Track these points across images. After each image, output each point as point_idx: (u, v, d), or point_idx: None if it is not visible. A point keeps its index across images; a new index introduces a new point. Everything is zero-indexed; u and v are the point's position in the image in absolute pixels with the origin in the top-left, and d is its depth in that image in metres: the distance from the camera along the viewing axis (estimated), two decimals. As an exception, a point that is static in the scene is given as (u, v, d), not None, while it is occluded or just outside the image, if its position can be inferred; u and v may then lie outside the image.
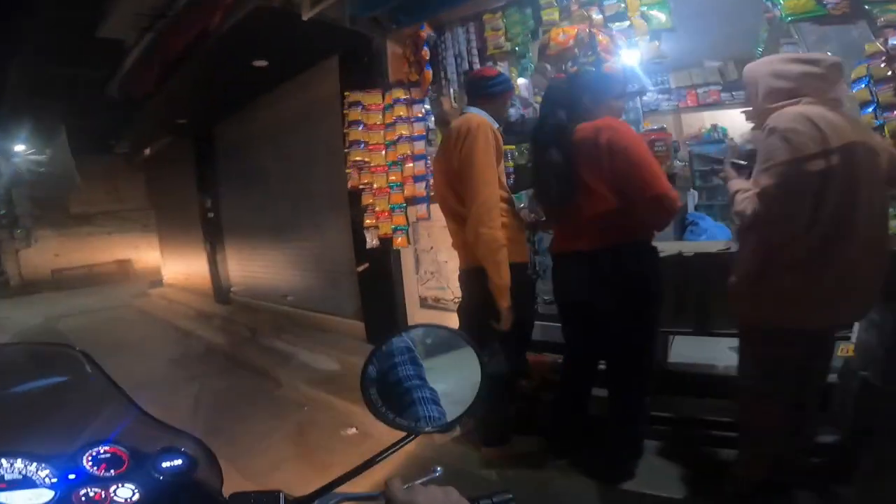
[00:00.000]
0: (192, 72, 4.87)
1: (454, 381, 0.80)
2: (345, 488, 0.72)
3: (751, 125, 1.87)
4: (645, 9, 2.94)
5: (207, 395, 4.28)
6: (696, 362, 2.80)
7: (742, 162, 1.85)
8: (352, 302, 4.88)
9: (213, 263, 7.58)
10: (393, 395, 0.77)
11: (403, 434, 0.75)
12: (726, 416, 2.44)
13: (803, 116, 1.58)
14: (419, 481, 0.68)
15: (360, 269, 4.52)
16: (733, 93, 5.70)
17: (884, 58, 2.41)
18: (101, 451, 0.70)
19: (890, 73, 2.40)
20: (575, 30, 2.89)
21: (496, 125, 2.32)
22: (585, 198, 2.06)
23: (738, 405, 1.97)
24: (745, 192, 1.68)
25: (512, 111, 3.12)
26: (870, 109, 2.53)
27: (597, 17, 3.02)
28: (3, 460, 0.65)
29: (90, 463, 0.69)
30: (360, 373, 0.76)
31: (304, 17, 3.44)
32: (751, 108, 1.80)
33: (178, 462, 0.71)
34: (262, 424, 3.50)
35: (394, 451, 0.75)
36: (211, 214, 7.54)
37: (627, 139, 1.98)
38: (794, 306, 1.65)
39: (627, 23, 2.98)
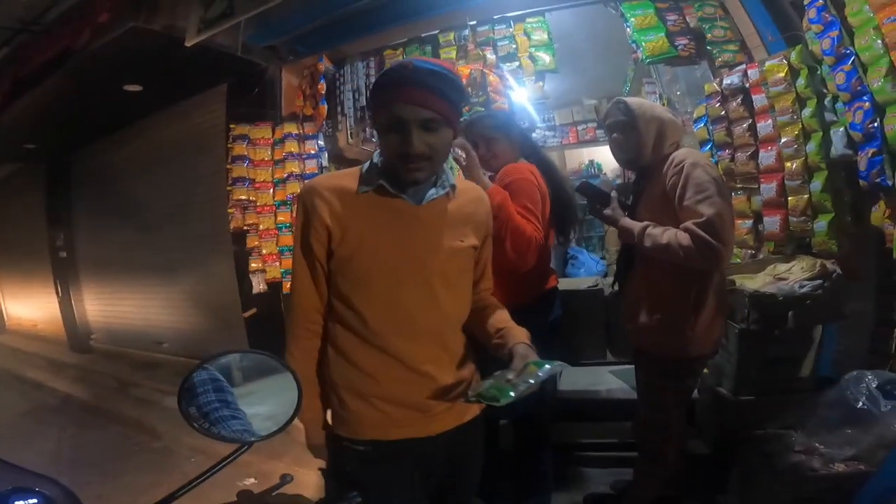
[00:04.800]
0: (50, 91, 4.32)
1: (273, 401, 0.91)
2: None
3: (622, 163, 2.00)
4: (533, 50, 3.17)
5: (69, 451, 3.71)
6: (581, 389, 2.93)
7: (625, 200, 1.89)
8: (239, 348, 4.49)
9: (66, 308, 6.66)
10: (214, 413, 0.85)
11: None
12: (614, 438, 2.61)
13: (702, 155, 1.77)
14: (271, 489, 0.76)
15: (247, 314, 4.20)
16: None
17: (719, 98, 2.66)
18: None
19: (723, 112, 2.65)
20: (469, 69, 3.06)
21: None
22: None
23: (636, 426, 2.02)
24: (659, 227, 1.66)
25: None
26: (707, 148, 2.81)
27: (490, 56, 3.21)
28: None
29: None
30: (178, 399, 0.83)
31: (188, 44, 3.21)
32: (634, 149, 1.79)
33: (33, 502, 0.66)
34: (139, 480, 3.07)
35: (225, 465, 0.79)
36: (63, 253, 6.66)
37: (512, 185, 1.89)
38: (701, 338, 1.74)
39: (517, 63, 3.18)
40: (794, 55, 2.25)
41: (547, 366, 1.00)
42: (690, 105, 3.44)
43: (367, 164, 1.18)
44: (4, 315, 9.25)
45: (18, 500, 0.65)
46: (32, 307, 8.02)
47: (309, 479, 1.64)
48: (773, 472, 1.86)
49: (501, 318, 1.28)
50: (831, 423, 1.83)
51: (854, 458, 1.73)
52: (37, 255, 7.10)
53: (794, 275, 2.17)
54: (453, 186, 1.19)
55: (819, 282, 2.07)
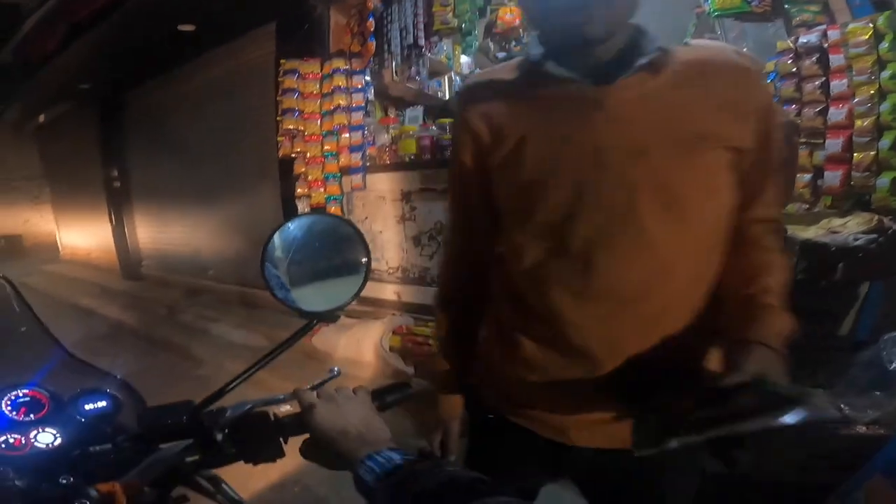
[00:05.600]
0: (104, 34, 4.55)
1: (341, 265, 0.82)
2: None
3: None
4: None
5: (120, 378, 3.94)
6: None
7: None
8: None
9: (119, 236, 7.04)
10: (289, 279, 0.79)
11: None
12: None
13: None
14: (318, 381, 0.71)
15: (290, 239, 4.43)
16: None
17: (792, 55, 2.66)
18: (20, 395, 0.68)
19: (795, 69, 2.66)
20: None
21: None
22: None
23: None
24: None
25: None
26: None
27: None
28: None
29: (9, 408, 0.67)
30: (262, 251, 0.76)
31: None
32: None
33: (102, 404, 0.69)
34: None
35: (292, 344, 0.73)
36: (117, 184, 7.00)
37: None
38: None
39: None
40: (881, 20, 2.27)
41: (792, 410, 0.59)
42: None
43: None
44: (59, 244, 9.77)
45: (89, 402, 0.68)
46: (86, 236, 8.43)
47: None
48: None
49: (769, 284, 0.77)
50: (860, 384, 1.78)
51: (876, 422, 1.68)
52: (91, 187, 7.46)
53: (849, 228, 2.15)
54: (664, 52, 0.75)
55: (874, 236, 2.03)
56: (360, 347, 3.42)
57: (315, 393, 0.67)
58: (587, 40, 0.73)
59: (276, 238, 0.77)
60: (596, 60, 0.75)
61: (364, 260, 0.78)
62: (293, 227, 0.81)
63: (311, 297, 0.77)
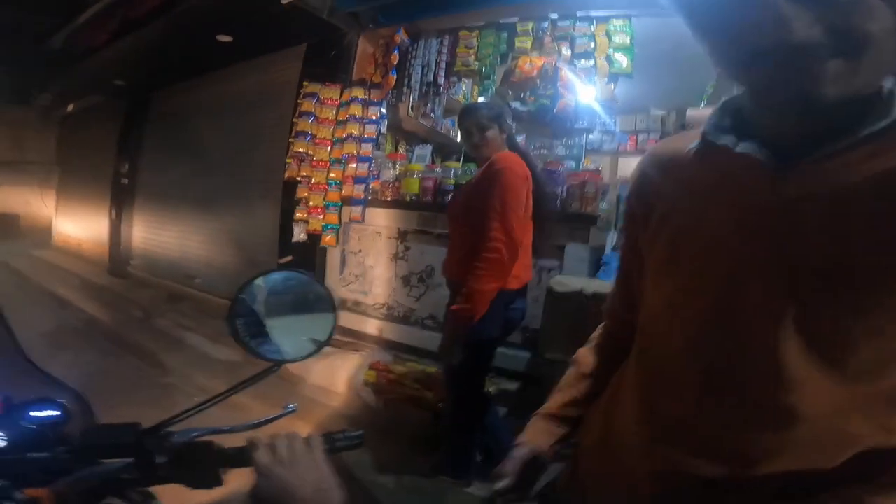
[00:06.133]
0: (151, 34, 4.65)
1: (309, 320, 0.88)
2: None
3: None
4: (612, 52, 3.13)
5: (80, 375, 3.66)
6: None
7: None
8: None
9: (115, 231, 6.97)
10: (254, 329, 0.85)
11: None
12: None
13: None
14: (272, 415, 0.76)
15: (283, 261, 4.36)
16: (669, 143, 6.17)
17: None
18: None
19: None
20: (542, 61, 3.09)
21: None
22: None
23: None
24: None
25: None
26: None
27: (566, 52, 3.21)
28: None
29: None
30: (229, 308, 0.83)
31: (284, 1, 3.43)
32: None
33: (52, 413, 0.71)
34: (139, 410, 3.13)
35: (252, 384, 0.79)
36: (125, 180, 7.00)
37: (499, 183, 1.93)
38: None
39: (592, 62, 3.16)
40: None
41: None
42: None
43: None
44: (54, 231, 9.73)
45: (38, 409, 0.69)
46: (82, 227, 8.38)
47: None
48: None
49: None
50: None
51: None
52: (100, 180, 7.47)
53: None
54: None
55: None
56: (334, 377, 3.32)
57: (269, 448, 0.67)
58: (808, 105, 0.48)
59: (249, 291, 0.85)
60: (802, 130, 0.53)
61: (332, 317, 0.86)
62: (262, 282, 0.87)
63: (277, 348, 0.84)
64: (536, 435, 0.85)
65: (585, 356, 0.90)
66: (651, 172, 0.72)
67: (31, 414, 0.69)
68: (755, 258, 0.56)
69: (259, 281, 0.85)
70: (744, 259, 0.56)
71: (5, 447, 0.66)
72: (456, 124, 2.08)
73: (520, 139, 5.78)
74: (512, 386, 2.87)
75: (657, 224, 0.67)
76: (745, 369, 0.57)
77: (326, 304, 0.86)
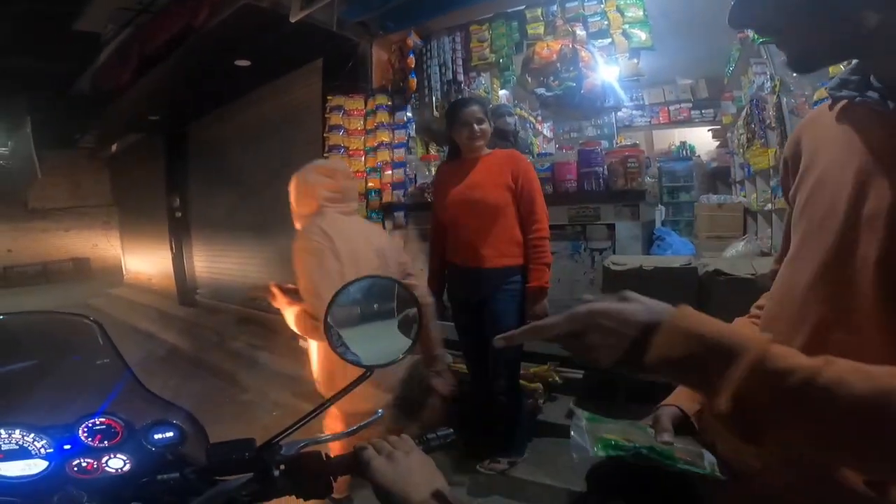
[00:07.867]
0: (172, 68, 4.79)
1: (394, 324, 0.89)
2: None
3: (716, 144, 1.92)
4: (627, 27, 3.05)
5: (170, 397, 4.05)
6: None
7: None
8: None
9: (178, 264, 7.38)
10: (347, 337, 0.85)
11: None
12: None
13: None
14: (364, 422, 0.77)
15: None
16: (702, 111, 5.95)
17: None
18: (97, 423, 0.71)
19: None
20: (559, 45, 3.00)
21: None
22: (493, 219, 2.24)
23: None
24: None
25: (510, 120, 3.21)
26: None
27: (580, 33, 3.13)
28: (2, 431, 0.66)
29: (85, 434, 0.70)
30: (325, 313, 0.82)
31: (293, 19, 3.44)
32: None
33: (170, 434, 0.74)
34: (223, 427, 3.40)
35: (348, 392, 0.79)
36: (179, 214, 7.35)
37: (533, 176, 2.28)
38: None
39: (609, 40, 3.09)
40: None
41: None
42: (808, 87, 3.20)
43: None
44: (124, 269, 10.37)
45: (158, 432, 0.73)
46: (148, 262, 8.88)
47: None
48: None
49: None
50: None
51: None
52: (156, 216, 7.89)
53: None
54: None
55: None
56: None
57: (373, 447, 0.70)
58: None
59: (339, 299, 0.84)
60: None
61: (415, 319, 0.85)
62: (353, 289, 0.87)
63: (368, 352, 0.83)
64: (682, 398, 0.85)
65: (743, 324, 0.88)
66: (800, 132, 0.76)
67: (154, 437, 0.72)
68: (868, 207, 0.57)
69: (349, 289, 0.86)
70: (858, 206, 0.59)
71: (134, 470, 0.69)
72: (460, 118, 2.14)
73: (548, 125, 5.82)
74: (578, 374, 2.89)
75: (801, 177, 0.72)
76: (856, 322, 0.57)
77: (410, 305, 0.86)
